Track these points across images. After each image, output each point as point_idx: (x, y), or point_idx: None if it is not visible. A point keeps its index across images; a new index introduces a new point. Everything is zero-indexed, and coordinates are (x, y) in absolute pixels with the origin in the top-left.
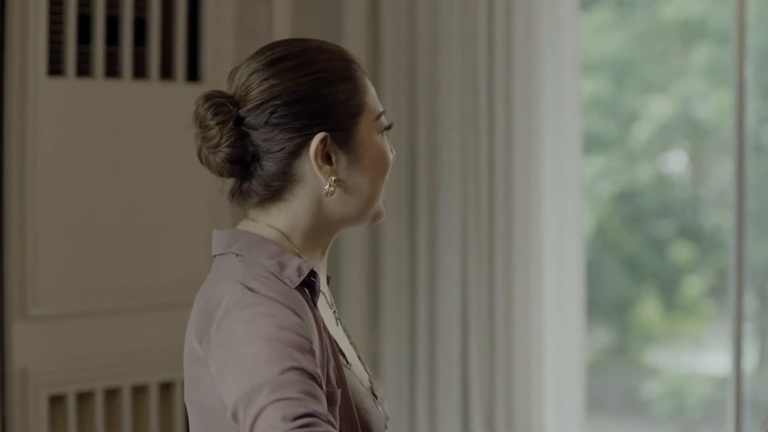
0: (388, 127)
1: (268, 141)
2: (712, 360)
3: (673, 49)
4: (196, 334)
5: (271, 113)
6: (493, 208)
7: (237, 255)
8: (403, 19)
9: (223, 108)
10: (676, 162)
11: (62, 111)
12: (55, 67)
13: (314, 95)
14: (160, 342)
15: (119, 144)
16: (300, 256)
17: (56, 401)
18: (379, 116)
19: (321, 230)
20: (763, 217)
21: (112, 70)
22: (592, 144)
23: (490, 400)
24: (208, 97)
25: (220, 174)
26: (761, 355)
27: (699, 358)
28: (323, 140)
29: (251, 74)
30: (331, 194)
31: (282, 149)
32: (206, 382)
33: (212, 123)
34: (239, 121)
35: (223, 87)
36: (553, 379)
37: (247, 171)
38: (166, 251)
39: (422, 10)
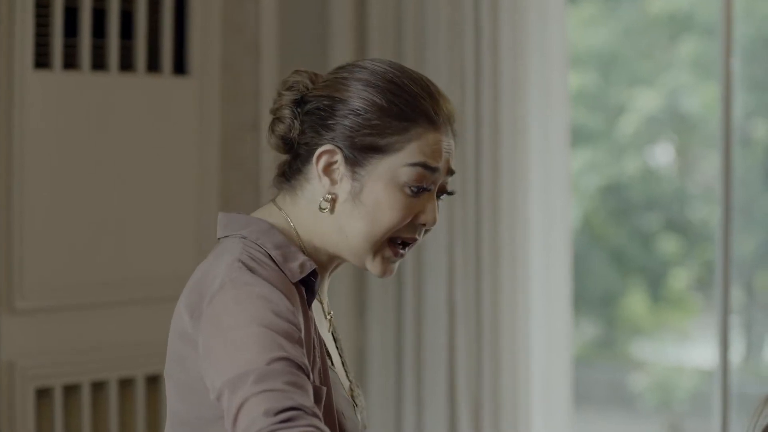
0: (422, 189)
1: (304, 130)
2: (699, 353)
3: (659, 42)
4: (187, 310)
5: (316, 105)
6: (480, 201)
7: (242, 238)
8: (389, 14)
9: (297, 86)
10: (662, 155)
11: (49, 104)
12: (42, 60)
13: (357, 111)
14: (146, 335)
15: (106, 137)
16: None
17: (43, 394)
18: (413, 166)
19: (317, 240)
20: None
21: (99, 64)
22: (579, 137)
23: (477, 393)
24: (297, 72)
25: (275, 147)
26: (747, 348)
27: (685, 351)
28: (330, 152)
29: (338, 68)
30: (323, 209)
31: (308, 143)
32: (192, 359)
33: (283, 92)
34: (299, 102)
35: (208, 82)
36: (539, 372)
37: (291, 151)
38: (153, 245)
39: (409, 4)
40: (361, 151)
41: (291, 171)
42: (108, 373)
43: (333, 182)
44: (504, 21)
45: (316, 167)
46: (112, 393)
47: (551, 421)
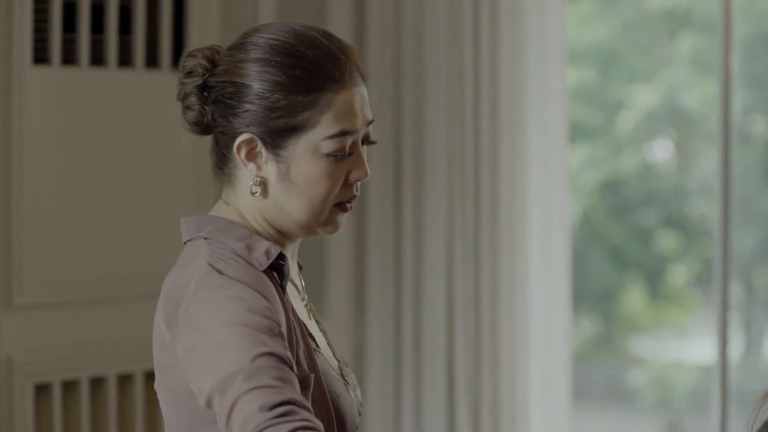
0: (348, 153)
1: (217, 118)
2: (698, 349)
3: (658, 38)
4: (164, 320)
5: (220, 92)
6: (479, 197)
7: (205, 239)
8: (388, 11)
9: (196, 70)
10: (661, 151)
11: (47, 99)
12: (40, 56)
13: (263, 95)
14: (145, 331)
15: (104, 133)
16: (268, 240)
17: (41, 390)
18: (332, 137)
19: (267, 223)
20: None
21: (97, 59)
22: (578, 133)
23: (476, 390)
24: (191, 55)
25: (192, 133)
26: (746, 344)
27: (684, 347)
28: (248, 140)
29: (231, 48)
30: (254, 193)
31: (223, 131)
32: (174, 368)
33: (184, 80)
34: (203, 87)
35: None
36: (538, 369)
37: (213, 139)
38: (151, 240)
39: (408, 1)
40: (277, 134)
41: (220, 159)
42: (107, 369)
43: (258, 167)
44: (503, 18)
45: (236, 155)
46: (111, 389)
47: (550, 418)
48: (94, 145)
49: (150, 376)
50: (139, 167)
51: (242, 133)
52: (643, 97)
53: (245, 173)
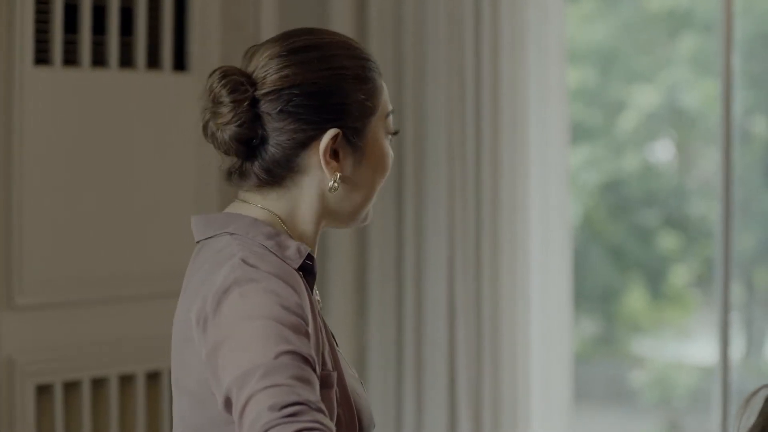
0: (395, 132)
1: (279, 128)
2: (699, 350)
3: (659, 38)
4: (194, 316)
5: (288, 101)
6: (479, 198)
7: (231, 234)
8: (389, 10)
9: (241, 87)
10: (662, 151)
11: (49, 100)
12: (42, 57)
13: (333, 90)
14: (146, 331)
15: (106, 133)
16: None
17: (43, 390)
18: (387, 116)
19: (316, 222)
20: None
21: (99, 60)
22: (578, 133)
23: (477, 390)
24: (226, 73)
25: (225, 152)
26: (748, 344)
27: (685, 347)
28: (335, 137)
29: (272, 58)
30: (335, 190)
31: (291, 138)
32: (198, 365)
33: (227, 100)
34: (254, 102)
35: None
36: (539, 369)
37: (251, 152)
38: (153, 240)
39: (408, 0)
40: (358, 120)
41: (276, 168)
42: (108, 370)
43: (337, 161)
44: (504, 17)
45: (322, 157)
46: (113, 389)
47: (551, 418)
48: (95, 145)
49: (152, 377)
50: (140, 168)
51: (323, 132)
52: (644, 97)
53: (314, 175)
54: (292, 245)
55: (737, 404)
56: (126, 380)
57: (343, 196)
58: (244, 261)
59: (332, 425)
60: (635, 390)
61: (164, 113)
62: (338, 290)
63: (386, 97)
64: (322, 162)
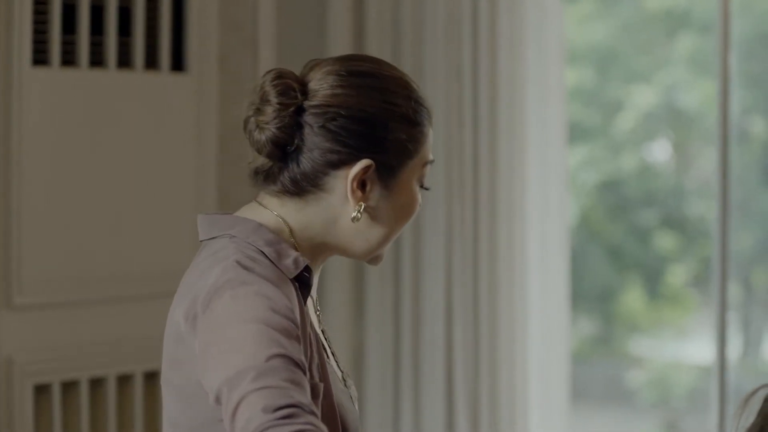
0: (426, 188)
1: (316, 143)
2: (696, 349)
3: (657, 38)
4: (183, 314)
5: (332, 119)
6: (477, 197)
7: (231, 237)
8: (387, 11)
9: (291, 92)
10: (660, 151)
11: (47, 101)
12: (40, 57)
13: (379, 123)
14: (145, 331)
15: (104, 133)
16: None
17: (41, 390)
18: (425, 165)
19: (324, 245)
20: (747, 207)
21: (97, 60)
22: (576, 133)
23: (475, 390)
24: (281, 75)
25: (258, 150)
26: (745, 344)
27: (683, 347)
28: (366, 167)
29: (330, 74)
30: (357, 220)
31: (324, 156)
32: (189, 363)
33: (274, 101)
34: (300, 111)
35: (206, 78)
36: (537, 369)
37: (283, 158)
38: (151, 241)
39: (407, 0)
40: (395, 159)
41: (303, 179)
42: (106, 369)
43: (363, 192)
44: (502, 17)
45: (349, 184)
46: (111, 389)
47: (549, 418)
48: (93, 146)
49: (150, 377)
50: (138, 168)
51: (358, 160)
52: (642, 97)
53: (336, 198)
54: (292, 255)
55: (735, 404)
56: (124, 380)
57: (361, 229)
58: (238, 263)
59: (325, 428)
60: (633, 390)
61: (162, 113)
62: (336, 290)
63: (429, 147)
64: (348, 190)
